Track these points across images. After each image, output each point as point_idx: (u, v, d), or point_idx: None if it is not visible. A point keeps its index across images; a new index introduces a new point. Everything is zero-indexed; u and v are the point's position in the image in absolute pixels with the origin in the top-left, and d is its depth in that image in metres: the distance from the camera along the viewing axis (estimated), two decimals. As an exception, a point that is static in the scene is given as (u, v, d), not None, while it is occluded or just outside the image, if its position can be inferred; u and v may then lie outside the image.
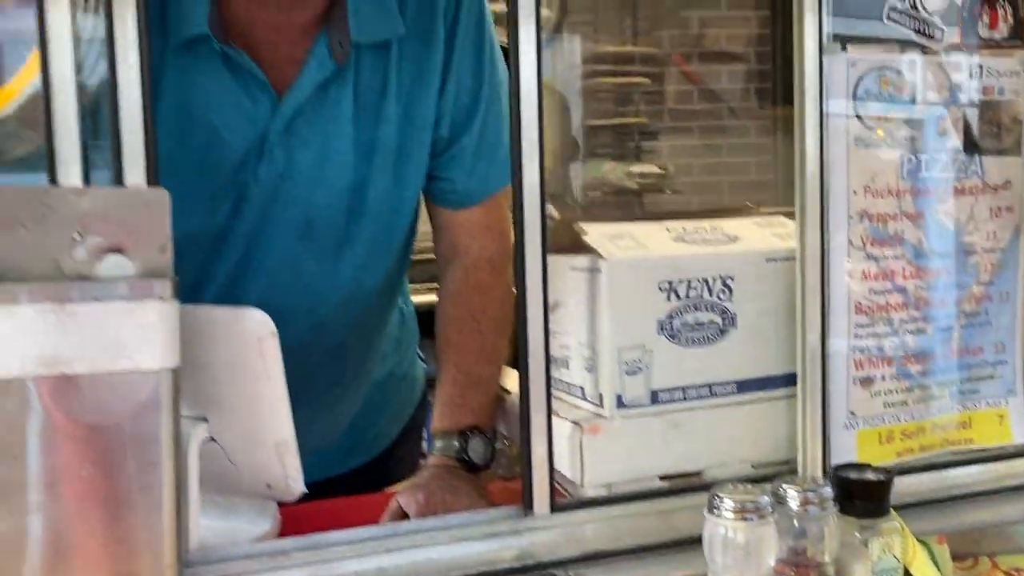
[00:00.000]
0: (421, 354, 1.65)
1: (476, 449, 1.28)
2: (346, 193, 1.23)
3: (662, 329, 1.14)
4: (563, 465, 1.12)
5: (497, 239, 1.33)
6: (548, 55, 3.61)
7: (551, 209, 3.39)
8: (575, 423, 1.12)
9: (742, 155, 3.42)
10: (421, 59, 1.22)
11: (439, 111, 1.25)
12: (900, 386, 1.23)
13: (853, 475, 1.03)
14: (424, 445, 1.61)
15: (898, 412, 1.23)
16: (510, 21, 1.03)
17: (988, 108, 1.25)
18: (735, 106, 3.61)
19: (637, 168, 3.40)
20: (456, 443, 1.28)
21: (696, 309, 1.16)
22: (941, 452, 1.27)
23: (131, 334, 0.79)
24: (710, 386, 1.17)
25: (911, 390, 1.24)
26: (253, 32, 1.16)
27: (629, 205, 3.71)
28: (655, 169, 3.41)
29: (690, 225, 1.25)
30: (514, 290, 1.05)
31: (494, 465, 1.32)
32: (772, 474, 1.11)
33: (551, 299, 1.09)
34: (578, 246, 1.20)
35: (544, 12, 3.32)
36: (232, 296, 1.23)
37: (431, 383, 1.42)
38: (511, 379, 1.36)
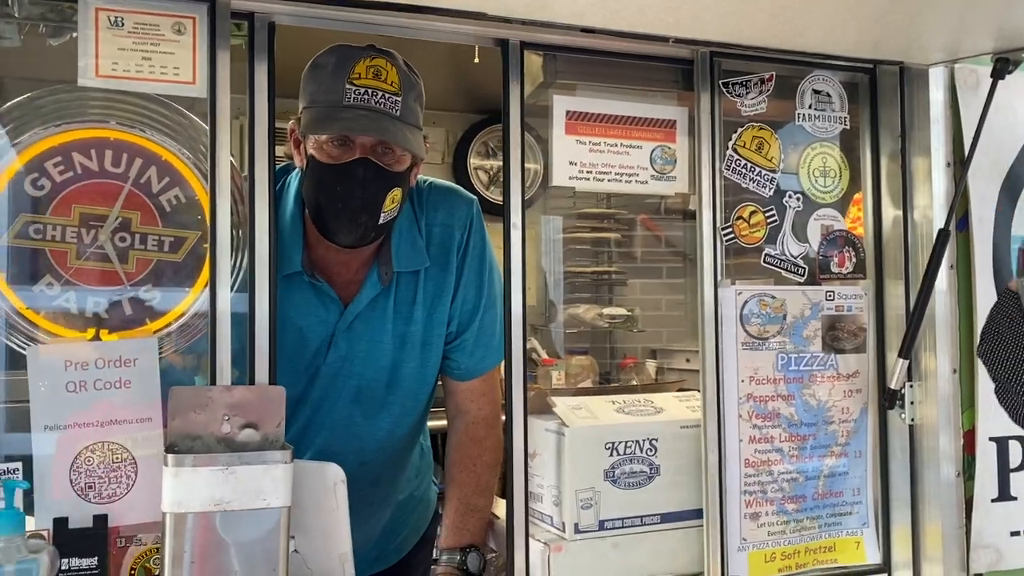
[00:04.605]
0: (435, 480, 2.10)
1: (473, 562, 1.73)
2: (386, 371, 1.72)
3: (607, 476, 1.63)
4: (536, 574, 1.58)
5: (491, 403, 1.81)
6: (538, 209, 4.22)
7: (537, 345, 3.83)
8: (545, 543, 1.59)
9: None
10: (440, 280, 1.73)
11: (451, 315, 1.75)
12: (779, 520, 1.71)
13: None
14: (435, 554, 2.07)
15: (778, 539, 1.70)
16: (504, 230, 1.52)
17: (840, 320, 1.78)
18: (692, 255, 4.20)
19: (608, 311, 3.95)
20: (458, 557, 1.73)
21: (631, 462, 1.65)
22: (813, 569, 1.74)
23: (267, 484, 1.27)
24: (641, 517, 1.65)
25: (788, 522, 1.72)
26: (328, 266, 1.68)
27: (602, 338, 4.27)
28: (623, 311, 3.96)
29: (629, 399, 1.76)
30: (502, 441, 1.52)
31: (486, 573, 1.77)
32: (685, 582, 1.59)
33: (531, 449, 1.57)
34: (550, 411, 1.70)
35: (531, 166, 3.91)
36: (304, 442, 1.69)
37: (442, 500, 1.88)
38: (500, 508, 1.82)
